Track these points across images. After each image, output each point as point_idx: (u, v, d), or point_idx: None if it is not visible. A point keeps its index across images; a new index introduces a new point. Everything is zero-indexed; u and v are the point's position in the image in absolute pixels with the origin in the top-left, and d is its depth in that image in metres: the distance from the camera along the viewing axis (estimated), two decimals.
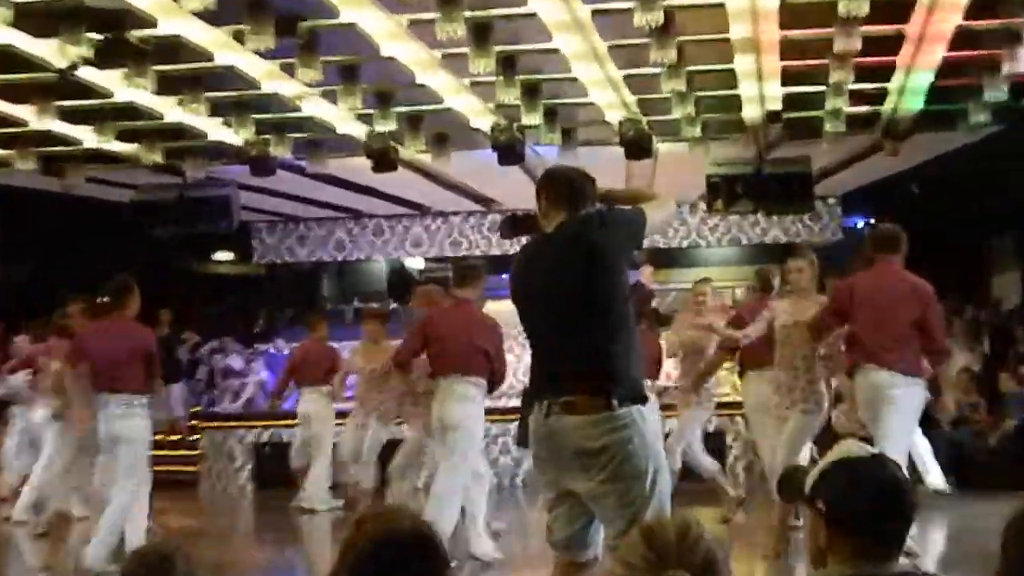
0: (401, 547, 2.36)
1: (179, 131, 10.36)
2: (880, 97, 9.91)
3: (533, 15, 7.74)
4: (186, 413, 14.26)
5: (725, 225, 14.58)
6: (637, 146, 10.09)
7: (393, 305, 15.00)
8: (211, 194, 11.21)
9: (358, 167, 10.90)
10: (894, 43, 8.50)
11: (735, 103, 10.01)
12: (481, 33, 7.82)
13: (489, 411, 8.64)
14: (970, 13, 7.93)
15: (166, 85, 8.65)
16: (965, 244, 16.07)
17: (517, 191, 9.82)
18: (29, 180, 11.61)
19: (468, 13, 7.39)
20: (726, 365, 10.29)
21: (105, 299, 8.51)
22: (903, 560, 2.59)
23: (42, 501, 10.40)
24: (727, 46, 8.49)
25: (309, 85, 8.79)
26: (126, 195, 11.84)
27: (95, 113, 9.80)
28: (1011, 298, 16.17)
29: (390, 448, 9.94)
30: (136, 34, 7.79)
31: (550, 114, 9.91)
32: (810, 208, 12.21)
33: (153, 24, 7.60)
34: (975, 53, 8.76)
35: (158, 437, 9.42)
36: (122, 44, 7.73)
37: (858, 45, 7.89)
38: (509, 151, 10.06)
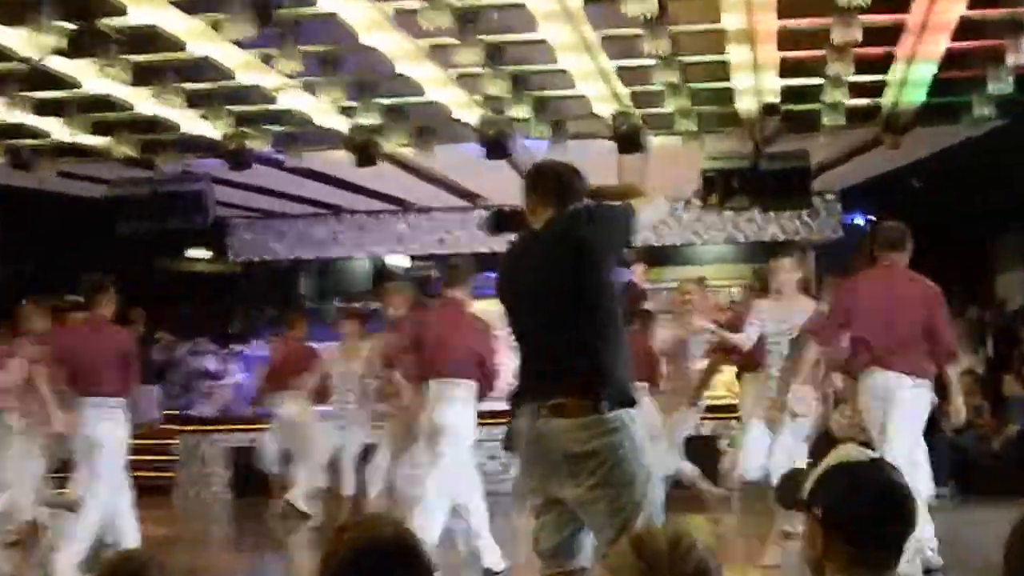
0: (383, 555, 2.35)
1: (153, 123, 10.24)
2: (880, 89, 9.83)
3: (521, 5, 7.66)
4: (160, 416, 14.06)
5: (720, 222, 14.29)
6: (629, 140, 10.02)
7: (376, 305, 14.72)
8: (184, 188, 11.02)
9: (339, 161, 10.79)
10: (895, 33, 8.43)
11: (730, 95, 9.93)
12: (467, 23, 7.75)
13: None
14: (974, 2, 7.88)
15: (140, 76, 8.57)
16: (968, 242, 15.99)
17: (504, 186, 9.65)
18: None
19: (454, 2, 7.35)
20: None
21: (76, 298, 8.35)
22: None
23: (11, 511, 10.15)
24: (722, 36, 8.43)
25: (289, 76, 8.66)
26: (95, 190, 11.66)
27: (66, 105, 9.68)
28: (1016, 298, 15.94)
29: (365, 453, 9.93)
30: (109, 23, 7.68)
31: (539, 107, 9.85)
32: (808, 204, 12.10)
33: (123, 12, 7.49)
34: (979, 44, 8.69)
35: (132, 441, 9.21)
36: (94, 34, 7.61)
37: (858, 35, 7.81)
38: (498, 145, 9.99)
